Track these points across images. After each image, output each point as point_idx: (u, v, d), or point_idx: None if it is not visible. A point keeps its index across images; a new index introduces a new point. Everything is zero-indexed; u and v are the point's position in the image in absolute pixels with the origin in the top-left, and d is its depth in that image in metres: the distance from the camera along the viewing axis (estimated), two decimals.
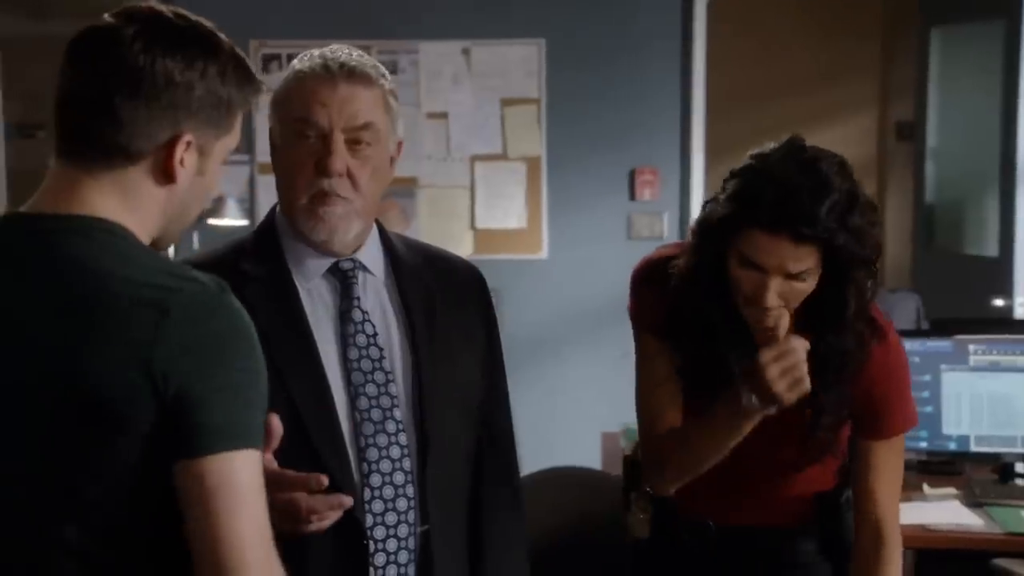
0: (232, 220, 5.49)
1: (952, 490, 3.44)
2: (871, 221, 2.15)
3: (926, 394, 3.51)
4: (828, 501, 2.39)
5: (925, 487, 3.45)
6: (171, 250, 5.47)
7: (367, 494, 2.02)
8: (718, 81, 6.03)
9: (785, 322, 2.15)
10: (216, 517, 1.47)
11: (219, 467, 1.47)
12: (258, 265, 2.07)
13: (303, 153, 2.02)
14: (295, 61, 2.09)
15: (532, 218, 5.88)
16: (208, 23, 1.66)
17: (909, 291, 5.62)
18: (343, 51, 2.07)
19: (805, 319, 2.20)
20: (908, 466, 3.49)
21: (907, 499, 3.24)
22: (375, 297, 2.11)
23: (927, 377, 3.52)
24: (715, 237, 2.18)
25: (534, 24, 5.81)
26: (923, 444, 3.56)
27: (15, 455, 1.53)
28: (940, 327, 3.87)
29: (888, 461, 2.33)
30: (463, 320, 2.17)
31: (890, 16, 7.66)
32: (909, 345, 3.46)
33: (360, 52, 2.09)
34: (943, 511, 3.27)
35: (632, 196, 5.85)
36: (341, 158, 2.01)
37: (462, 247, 5.85)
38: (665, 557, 2.46)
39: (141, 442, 1.49)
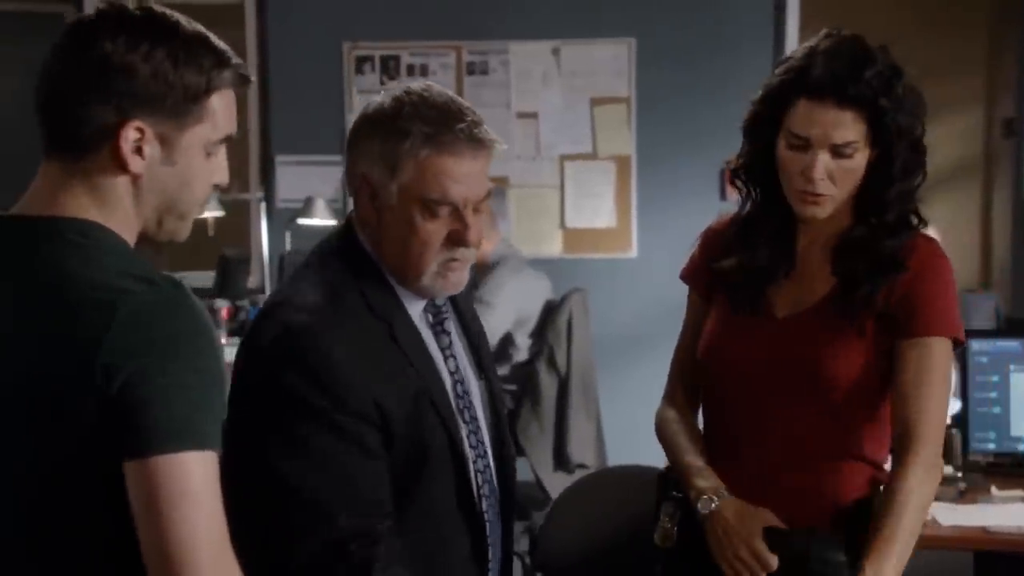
0: (321, 220, 5.58)
1: (1019, 492, 3.36)
2: (914, 101, 2.19)
3: (994, 394, 3.43)
4: (864, 507, 2.29)
5: (993, 489, 3.38)
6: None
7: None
8: None
9: (830, 206, 2.19)
10: (164, 519, 1.43)
11: (167, 468, 1.43)
12: (385, 307, 2.01)
13: (436, 228, 1.96)
14: (394, 97, 1.96)
15: (622, 217, 5.89)
16: (172, 14, 1.58)
17: (987, 295, 5.48)
18: (457, 108, 1.95)
19: (855, 214, 2.25)
20: (976, 468, 3.45)
21: (972, 501, 3.20)
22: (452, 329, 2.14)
23: (995, 378, 3.44)
24: (765, 119, 2.22)
25: (623, 23, 5.81)
26: (991, 446, 3.48)
27: None
28: (1012, 327, 3.78)
29: (925, 364, 2.19)
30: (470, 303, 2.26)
31: (997, 11, 7.45)
32: (978, 345, 3.42)
33: (469, 104, 1.99)
34: (1006, 513, 3.20)
35: (723, 195, 5.80)
36: (477, 230, 1.97)
37: (552, 247, 5.89)
38: (692, 564, 2.38)
39: (83, 441, 1.46)
